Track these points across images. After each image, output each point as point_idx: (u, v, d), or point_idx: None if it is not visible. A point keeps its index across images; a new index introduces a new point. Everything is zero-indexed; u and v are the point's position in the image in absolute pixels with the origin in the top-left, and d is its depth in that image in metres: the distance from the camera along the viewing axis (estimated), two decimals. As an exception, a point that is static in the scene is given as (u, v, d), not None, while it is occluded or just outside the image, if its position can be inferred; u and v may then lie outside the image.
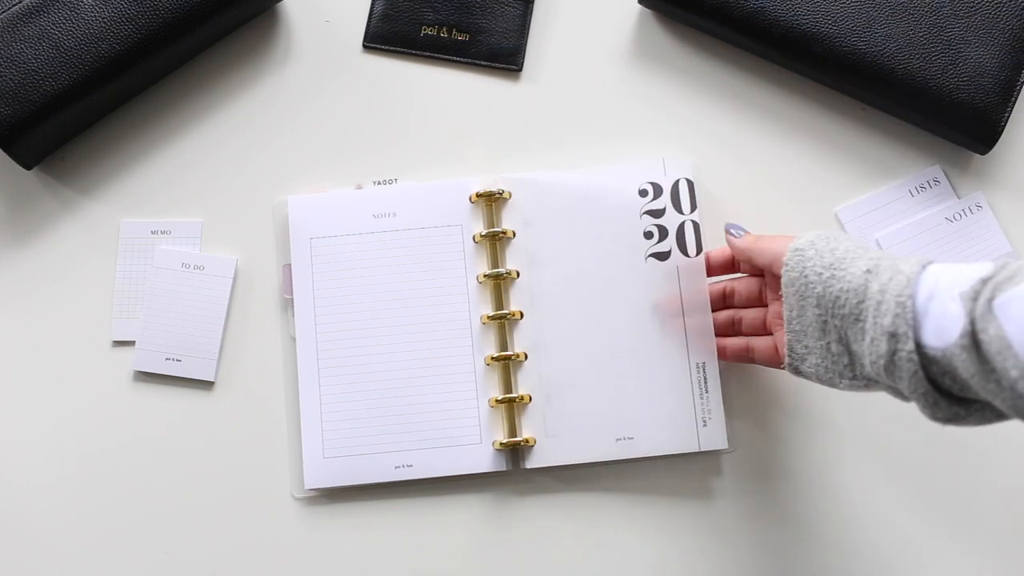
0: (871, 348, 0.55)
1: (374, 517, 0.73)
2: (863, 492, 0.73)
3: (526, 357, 0.73)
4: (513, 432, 0.72)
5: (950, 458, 0.73)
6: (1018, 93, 0.74)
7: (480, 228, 0.75)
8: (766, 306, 0.68)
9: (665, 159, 0.75)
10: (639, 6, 0.79)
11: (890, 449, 0.73)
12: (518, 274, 0.74)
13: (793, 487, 0.73)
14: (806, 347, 0.60)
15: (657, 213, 0.74)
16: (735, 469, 0.73)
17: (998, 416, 0.52)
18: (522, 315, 0.74)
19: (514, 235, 0.75)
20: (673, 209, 0.74)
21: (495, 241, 0.75)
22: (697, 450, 0.71)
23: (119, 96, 0.76)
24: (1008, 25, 0.74)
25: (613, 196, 0.75)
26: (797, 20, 0.74)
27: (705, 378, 0.72)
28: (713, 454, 0.73)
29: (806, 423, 0.74)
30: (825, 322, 0.58)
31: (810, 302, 0.59)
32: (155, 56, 0.74)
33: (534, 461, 0.72)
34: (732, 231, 0.69)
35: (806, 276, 0.59)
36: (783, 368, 0.64)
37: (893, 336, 0.53)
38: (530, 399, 0.72)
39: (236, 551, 0.72)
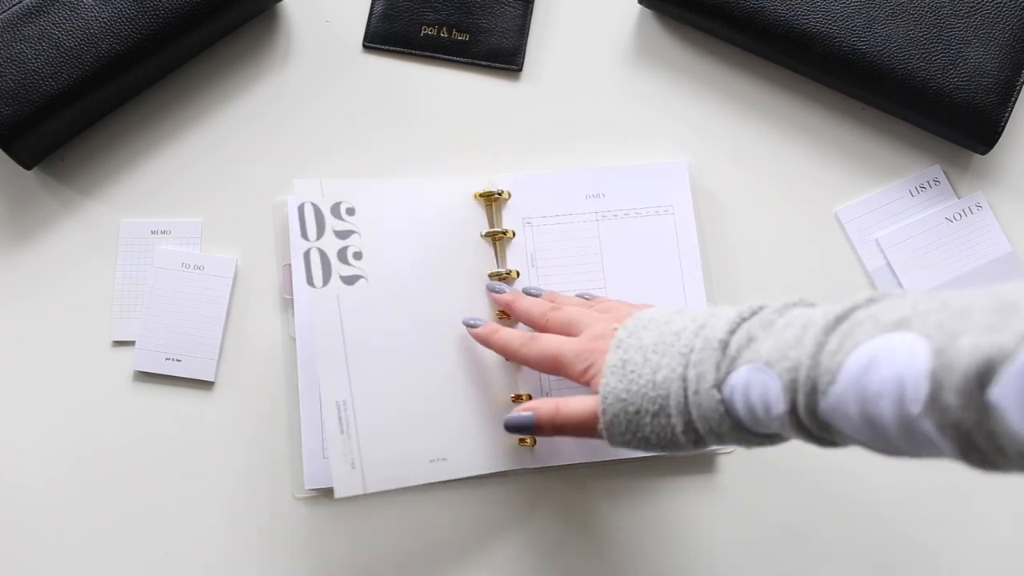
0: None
1: (374, 517, 0.73)
2: (864, 491, 0.73)
3: (526, 357, 0.73)
4: (513, 432, 0.72)
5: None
6: (1018, 93, 0.74)
7: (482, 228, 0.75)
8: None
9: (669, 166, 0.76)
10: (639, 6, 0.79)
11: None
12: (518, 274, 0.74)
13: (793, 485, 0.73)
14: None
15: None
16: (736, 468, 0.73)
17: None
18: (522, 315, 0.74)
19: (514, 235, 0.75)
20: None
21: (495, 241, 0.75)
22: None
23: (119, 96, 0.76)
24: (1008, 25, 0.74)
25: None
26: (797, 20, 0.74)
27: None
28: (713, 453, 0.73)
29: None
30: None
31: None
32: (155, 56, 0.74)
33: (536, 461, 0.72)
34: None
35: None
36: None
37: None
38: (530, 399, 0.72)
39: (236, 551, 0.72)
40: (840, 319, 0.49)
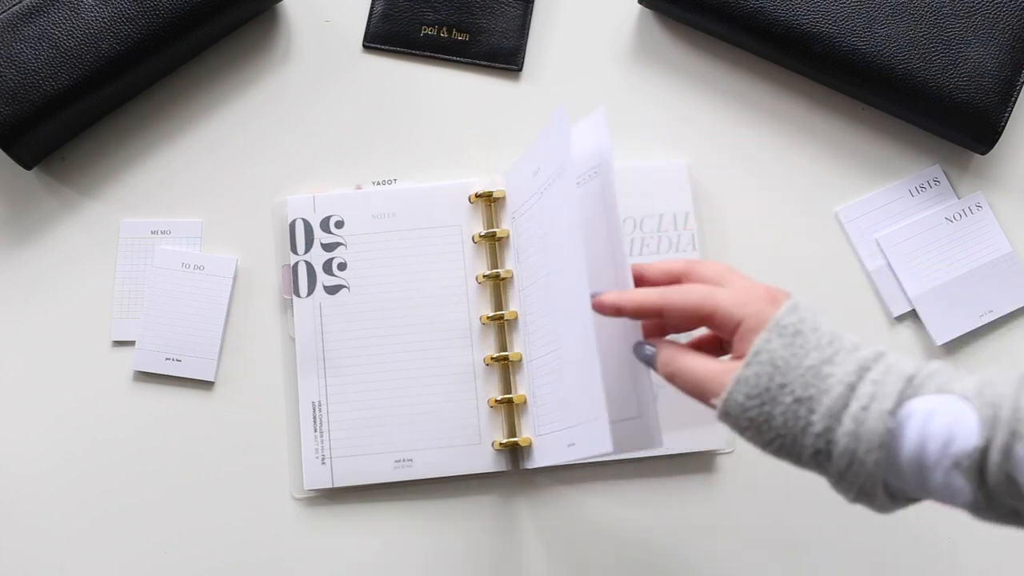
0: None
1: (374, 518, 0.73)
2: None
3: (526, 357, 0.73)
4: (512, 432, 0.72)
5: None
6: (1018, 93, 0.74)
7: (479, 228, 0.75)
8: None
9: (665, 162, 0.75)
10: (639, 6, 0.79)
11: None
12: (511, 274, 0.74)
13: (793, 485, 0.73)
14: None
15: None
16: (735, 468, 0.73)
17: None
18: (522, 315, 0.74)
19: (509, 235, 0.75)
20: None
21: (494, 241, 0.75)
22: (698, 448, 0.71)
23: (119, 96, 0.76)
24: (1008, 25, 0.74)
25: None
26: (797, 20, 0.74)
27: None
28: (713, 453, 0.73)
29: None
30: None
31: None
32: (155, 56, 0.74)
33: (535, 461, 0.72)
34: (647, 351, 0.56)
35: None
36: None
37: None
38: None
39: (236, 551, 0.72)
40: None
